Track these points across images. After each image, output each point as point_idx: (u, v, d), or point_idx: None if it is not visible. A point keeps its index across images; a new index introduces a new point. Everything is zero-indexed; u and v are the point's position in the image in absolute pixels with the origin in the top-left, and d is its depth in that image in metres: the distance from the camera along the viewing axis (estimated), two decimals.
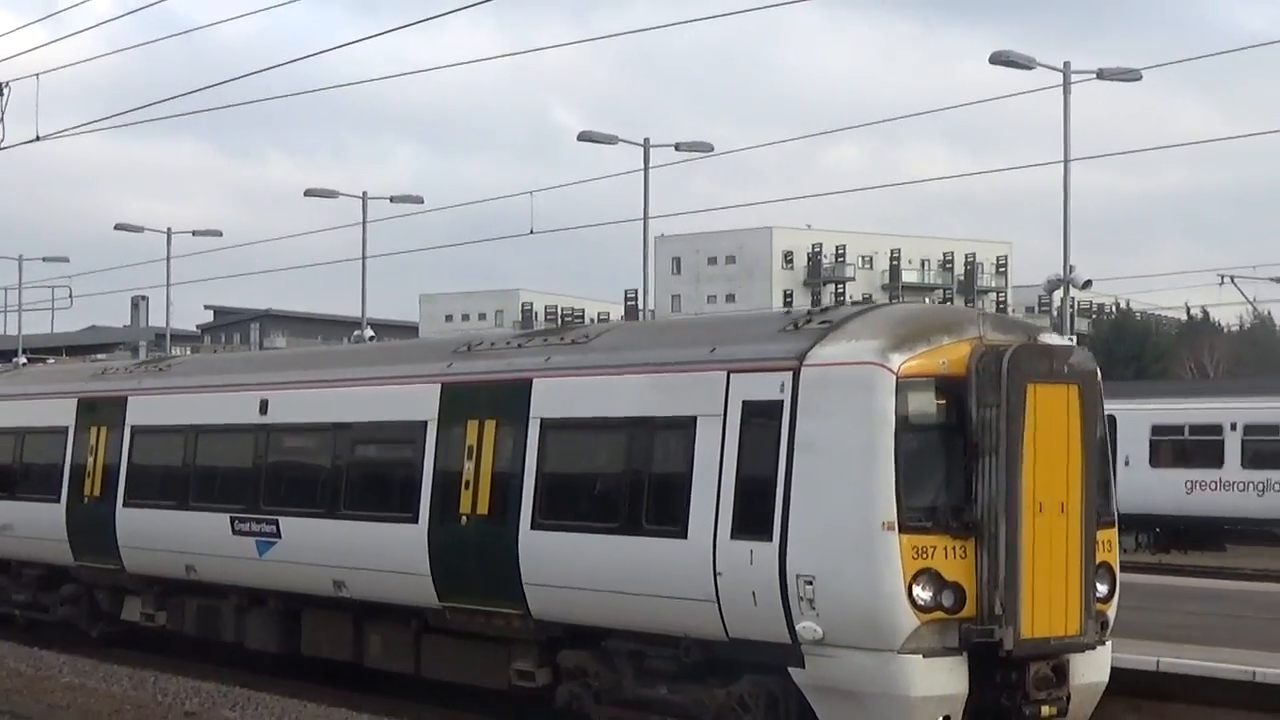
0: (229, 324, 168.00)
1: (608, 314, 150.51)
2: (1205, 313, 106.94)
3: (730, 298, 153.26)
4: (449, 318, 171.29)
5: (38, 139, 33.99)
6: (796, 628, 16.37)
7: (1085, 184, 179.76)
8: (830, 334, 16.95)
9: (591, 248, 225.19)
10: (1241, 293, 69.32)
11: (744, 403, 17.21)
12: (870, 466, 16.07)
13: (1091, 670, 16.95)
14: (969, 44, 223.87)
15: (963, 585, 16.06)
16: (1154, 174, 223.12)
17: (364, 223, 62.53)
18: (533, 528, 19.34)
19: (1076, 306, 63.53)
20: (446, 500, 20.53)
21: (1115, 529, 17.56)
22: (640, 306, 70.04)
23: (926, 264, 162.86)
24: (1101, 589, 16.94)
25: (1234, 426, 44.75)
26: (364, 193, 62.34)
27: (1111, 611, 17.32)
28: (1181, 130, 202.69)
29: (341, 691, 23.51)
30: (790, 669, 16.72)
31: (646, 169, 53.62)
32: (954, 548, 16.07)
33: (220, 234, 70.16)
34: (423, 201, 62.54)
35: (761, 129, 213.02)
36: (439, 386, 21.12)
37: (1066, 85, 45.27)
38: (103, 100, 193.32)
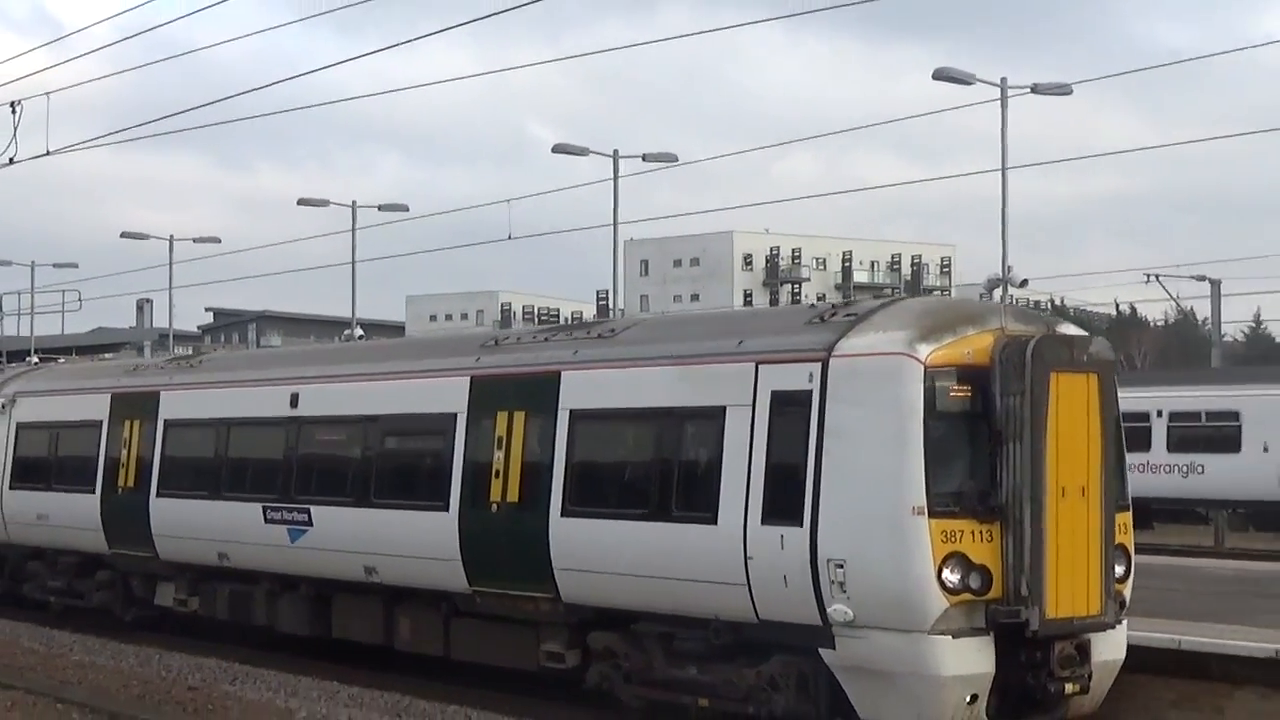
0: (228, 325, 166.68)
1: (580, 313, 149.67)
2: (1133, 309, 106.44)
3: (695, 297, 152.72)
4: (433, 318, 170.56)
5: (48, 154, 33.41)
6: (828, 610, 15.75)
7: (1022, 190, 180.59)
8: (857, 326, 16.35)
9: (565, 252, 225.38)
10: (1166, 290, 69.30)
11: (773, 393, 16.54)
12: (900, 453, 15.44)
13: (1110, 649, 16.41)
14: (913, 60, 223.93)
15: (989, 568, 15.46)
16: (1085, 180, 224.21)
17: (354, 229, 62.47)
18: (563, 515, 18.65)
19: (1014, 303, 63.22)
20: (477, 488, 19.81)
21: (1130, 512, 16.99)
22: (610, 306, 70.09)
23: (876, 265, 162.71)
24: (1119, 570, 16.37)
25: (1160, 414, 44.31)
26: (354, 202, 62.25)
27: (1128, 591, 16.76)
28: (1110, 139, 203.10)
29: (336, 666, 23.04)
30: (821, 650, 16.10)
31: (616, 178, 53.65)
32: (981, 531, 15.47)
33: (219, 241, 69.66)
34: (409, 209, 62.24)
35: (722, 140, 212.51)
36: (469, 379, 20.43)
37: (1004, 99, 44.85)
38: (108, 117, 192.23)
